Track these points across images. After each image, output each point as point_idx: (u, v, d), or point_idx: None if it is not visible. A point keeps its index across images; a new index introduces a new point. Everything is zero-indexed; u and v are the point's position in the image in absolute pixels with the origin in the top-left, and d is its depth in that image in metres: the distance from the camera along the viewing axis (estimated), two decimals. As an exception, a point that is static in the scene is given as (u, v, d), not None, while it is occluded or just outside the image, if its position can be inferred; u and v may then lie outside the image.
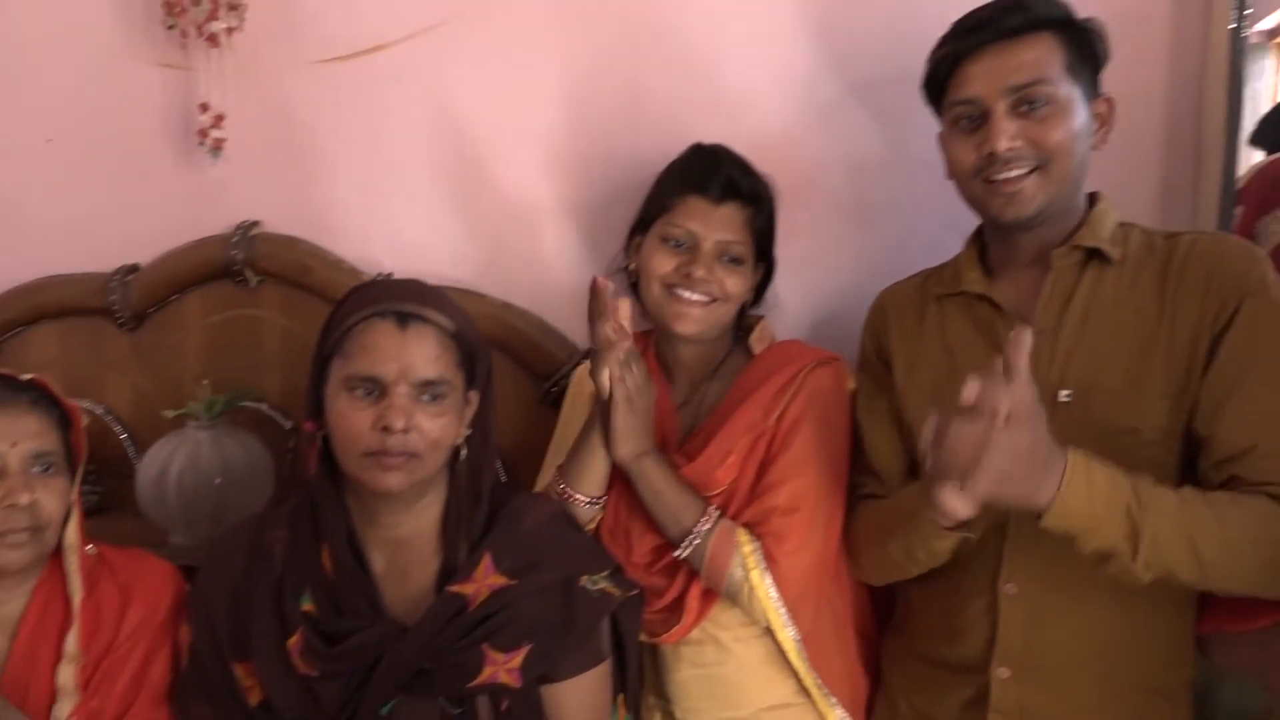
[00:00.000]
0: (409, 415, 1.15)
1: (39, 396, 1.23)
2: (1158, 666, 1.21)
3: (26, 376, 1.23)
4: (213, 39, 1.59)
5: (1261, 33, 3.19)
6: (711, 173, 1.33)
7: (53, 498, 1.22)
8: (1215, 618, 1.21)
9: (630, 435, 1.29)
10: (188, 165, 1.72)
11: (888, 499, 1.30)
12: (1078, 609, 1.18)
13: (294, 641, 1.17)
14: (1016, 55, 1.16)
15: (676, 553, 1.30)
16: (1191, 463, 1.17)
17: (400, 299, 1.19)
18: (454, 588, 1.18)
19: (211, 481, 1.55)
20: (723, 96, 1.56)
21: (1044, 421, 1.00)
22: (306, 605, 1.19)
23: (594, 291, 1.27)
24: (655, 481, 1.30)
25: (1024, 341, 0.97)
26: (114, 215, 1.75)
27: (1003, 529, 1.22)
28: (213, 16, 1.58)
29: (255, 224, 1.70)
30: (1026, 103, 1.16)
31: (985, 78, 1.17)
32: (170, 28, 1.59)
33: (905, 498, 1.23)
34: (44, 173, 1.77)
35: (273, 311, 1.71)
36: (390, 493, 1.17)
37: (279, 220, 1.71)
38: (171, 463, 1.54)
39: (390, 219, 1.68)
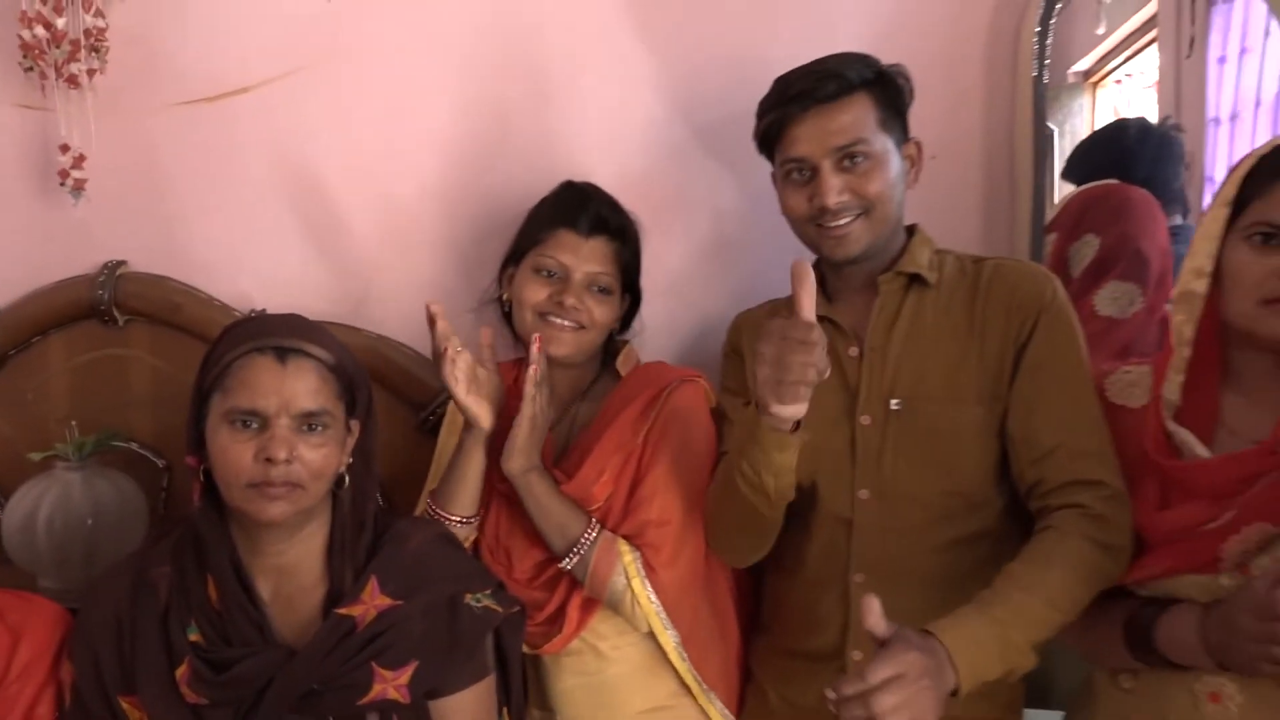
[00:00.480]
0: (291, 446, 1.19)
1: None
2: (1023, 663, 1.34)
3: None
4: (72, 80, 1.58)
5: (1078, 74, 3.51)
6: (581, 208, 1.43)
7: None
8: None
9: (526, 451, 1.37)
10: (47, 206, 1.70)
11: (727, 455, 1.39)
12: (915, 594, 1.30)
13: (182, 671, 1.19)
14: (836, 119, 1.31)
15: (562, 564, 1.38)
16: (1005, 459, 1.34)
17: (279, 334, 1.23)
18: (342, 610, 1.22)
19: (84, 523, 1.54)
20: (588, 138, 1.66)
21: (921, 653, 1.09)
22: (193, 635, 1.22)
23: (429, 318, 1.38)
24: (542, 496, 1.38)
25: (874, 608, 1.09)
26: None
27: (849, 526, 1.35)
28: (73, 58, 1.57)
29: (121, 263, 1.70)
30: (849, 158, 1.31)
31: (811, 140, 1.32)
32: (28, 70, 1.58)
33: (741, 430, 1.32)
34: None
35: (141, 350, 1.71)
36: (274, 522, 1.21)
37: (146, 260, 1.71)
38: (40, 505, 1.52)
39: (260, 256, 1.70)
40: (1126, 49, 2.99)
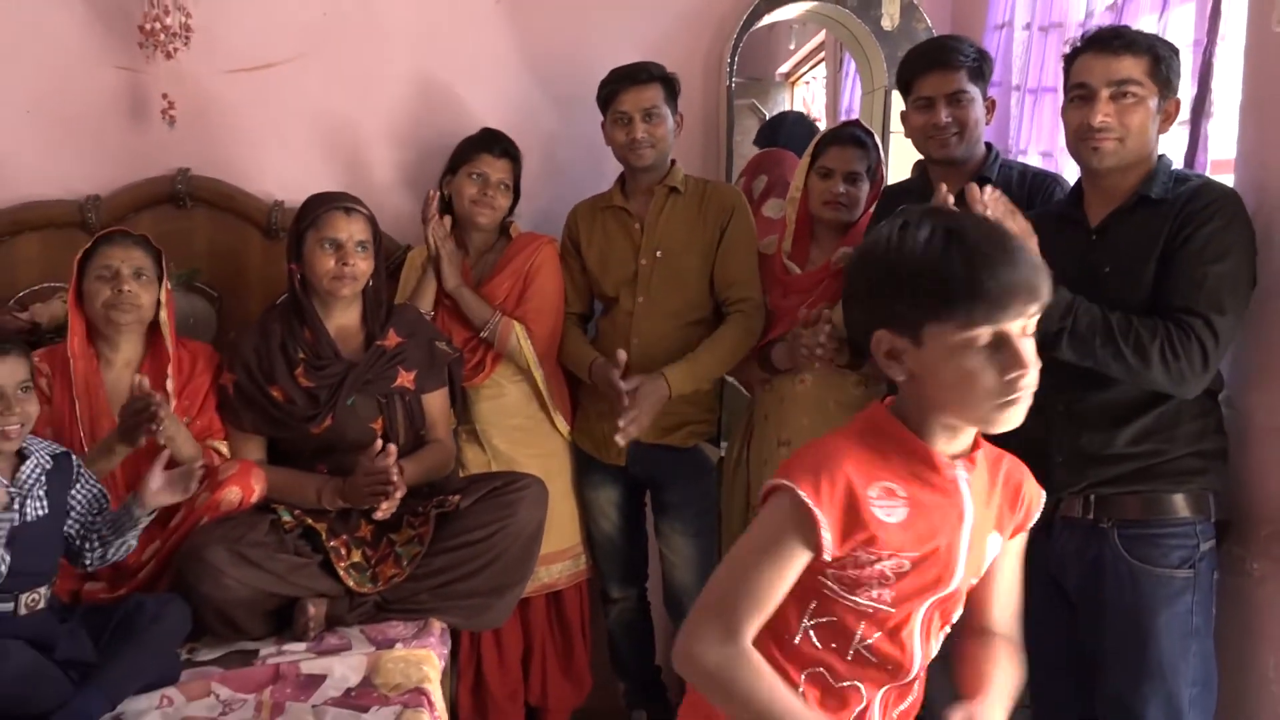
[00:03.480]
0: (354, 258, 2.33)
1: (141, 242, 2.28)
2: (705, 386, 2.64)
3: (140, 234, 2.29)
4: (168, 54, 2.61)
5: (781, 74, 5.05)
6: (494, 141, 2.61)
7: (147, 295, 2.28)
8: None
9: (454, 276, 2.55)
10: (135, 131, 2.71)
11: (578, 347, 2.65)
12: (664, 352, 2.51)
13: (299, 370, 2.32)
14: (645, 92, 2.49)
15: (481, 334, 2.56)
16: (712, 286, 2.62)
17: (345, 200, 2.36)
18: (378, 343, 2.38)
19: (187, 320, 2.59)
20: (490, 101, 2.84)
21: (649, 379, 2.41)
22: (301, 355, 2.34)
23: (427, 199, 2.54)
24: (469, 298, 2.56)
25: (621, 360, 2.40)
26: (82, 164, 2.71)
27: (631, 315, 2.57)
28: (171, 39, 2.60)
29: (187, 169, 2.73)
30: (649, 116, 2.49)
31: (630, 102, 2.49)
32: (141, 45, 2.59)
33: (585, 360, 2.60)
34: (30, 135, 2.69)
35: (202, 224, 2.75)
36: (344, 297, 2.33)
37: (201, 168, 2.75)
38: (162, 309, 2.57)
39: (282, 168, 2.77)
40: (810, 60, 4.48)
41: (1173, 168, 1.88)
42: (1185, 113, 1.94)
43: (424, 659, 1.98)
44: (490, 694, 2.64)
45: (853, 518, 1.22)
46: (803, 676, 1.32)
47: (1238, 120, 1.96)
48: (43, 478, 1.84)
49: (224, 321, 2.76)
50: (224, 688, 1.87)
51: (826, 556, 1.22)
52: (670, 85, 2.56)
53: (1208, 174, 1.98)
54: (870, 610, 1.27)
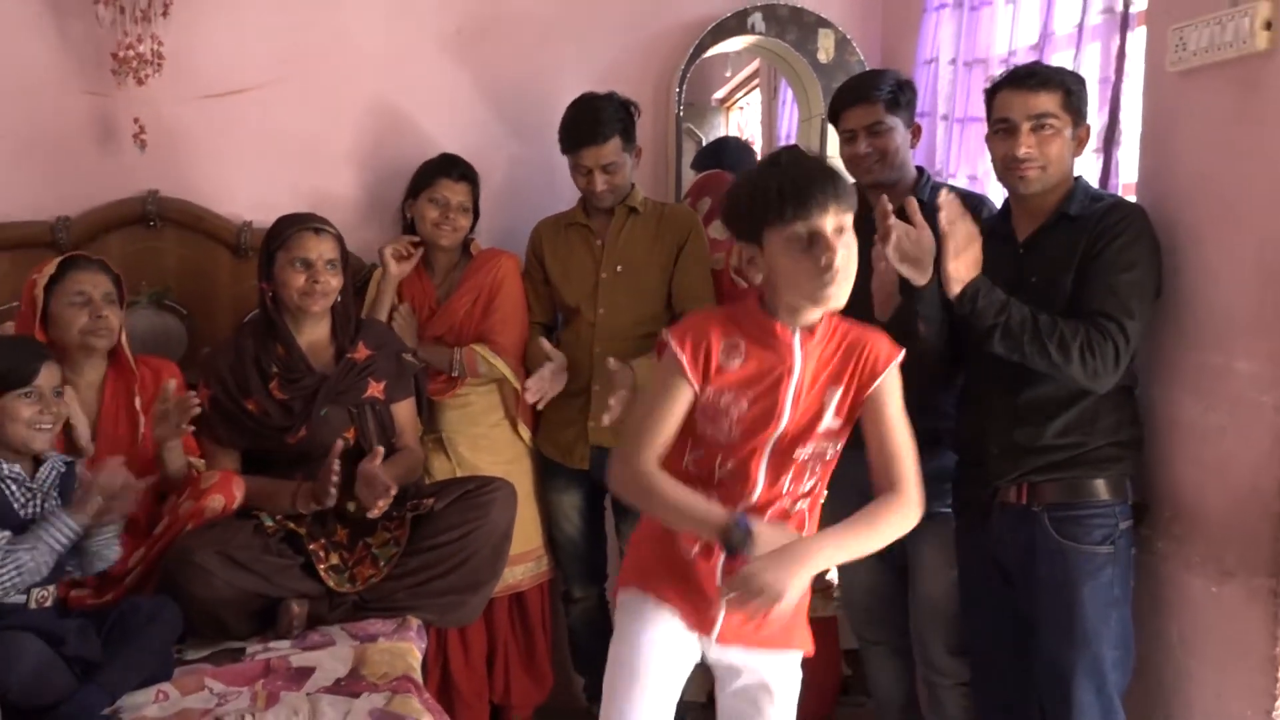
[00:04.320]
0: (324, 275, 2.44)
1: (103, 267, 2.36)
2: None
3: (98, 258, 2.37)
4: (140, 80, 2.70)
5: (717, 100, 5.26)
6: (453, 166, 2.74)
7: (116, 318, 2.36)
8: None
9: (410, 334, 2.68)
10: (104, 154, 2.79)
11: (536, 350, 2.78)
12: (623, 357, 2.73)
13: (273, 384, 2.42)
14: (603, 149, 2.60)
15: (451, 372, 2.70)
16: (669, 299, 2.79)
17: (314, 220, 2.47)
18: (349, 356, 2.48)
19: (158, 339, 2.67)
20: (452, 126, 2.98)
21: (623, 368, 2.54)
22: (274, 369, 2.44)
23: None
24: (426, 354, 2.68)
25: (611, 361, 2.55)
26: (53, 187, 2.77)
27: (594, 326, 2.74)
28: (143, 66, 2.68)
29: (155, 191, 2.81)
30: (607, 169, 2.62)
31: (590, 159, 2.61)
32: (115, 72, 2.67)
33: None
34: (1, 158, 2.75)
35: (172, 244, 2.83)
36: (314, 313, 2.44)
37: (169, 190, 2.83)
38: (136, 326, 2.63)
39: (250, 189, 2.87)
40: (744, 88, 4.70)
41: (1089, 188, 2.09)
42: (1098, 141, 2.16)
43: (407, 651, 2.10)
44: (458, 692, 2.75)
45: (705, 361, 1.70)
46: None
47: (1139, 148, 2.19)
48: (56, 480, 1.93)
49: (194, 339, 2.84)
50: (217, 682, 1.96)
51: (695, 388, 1.69)
52: (628, 130, 2.68)
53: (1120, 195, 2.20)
54: (724, 442, 1.72)
